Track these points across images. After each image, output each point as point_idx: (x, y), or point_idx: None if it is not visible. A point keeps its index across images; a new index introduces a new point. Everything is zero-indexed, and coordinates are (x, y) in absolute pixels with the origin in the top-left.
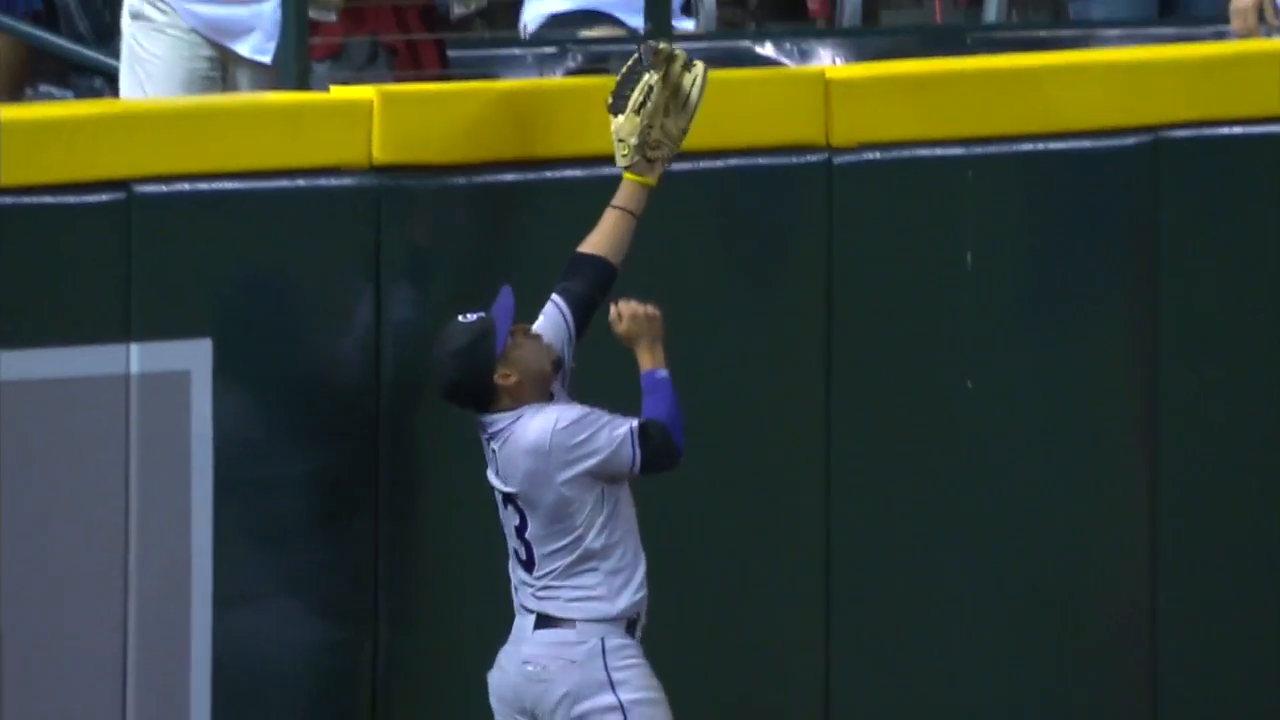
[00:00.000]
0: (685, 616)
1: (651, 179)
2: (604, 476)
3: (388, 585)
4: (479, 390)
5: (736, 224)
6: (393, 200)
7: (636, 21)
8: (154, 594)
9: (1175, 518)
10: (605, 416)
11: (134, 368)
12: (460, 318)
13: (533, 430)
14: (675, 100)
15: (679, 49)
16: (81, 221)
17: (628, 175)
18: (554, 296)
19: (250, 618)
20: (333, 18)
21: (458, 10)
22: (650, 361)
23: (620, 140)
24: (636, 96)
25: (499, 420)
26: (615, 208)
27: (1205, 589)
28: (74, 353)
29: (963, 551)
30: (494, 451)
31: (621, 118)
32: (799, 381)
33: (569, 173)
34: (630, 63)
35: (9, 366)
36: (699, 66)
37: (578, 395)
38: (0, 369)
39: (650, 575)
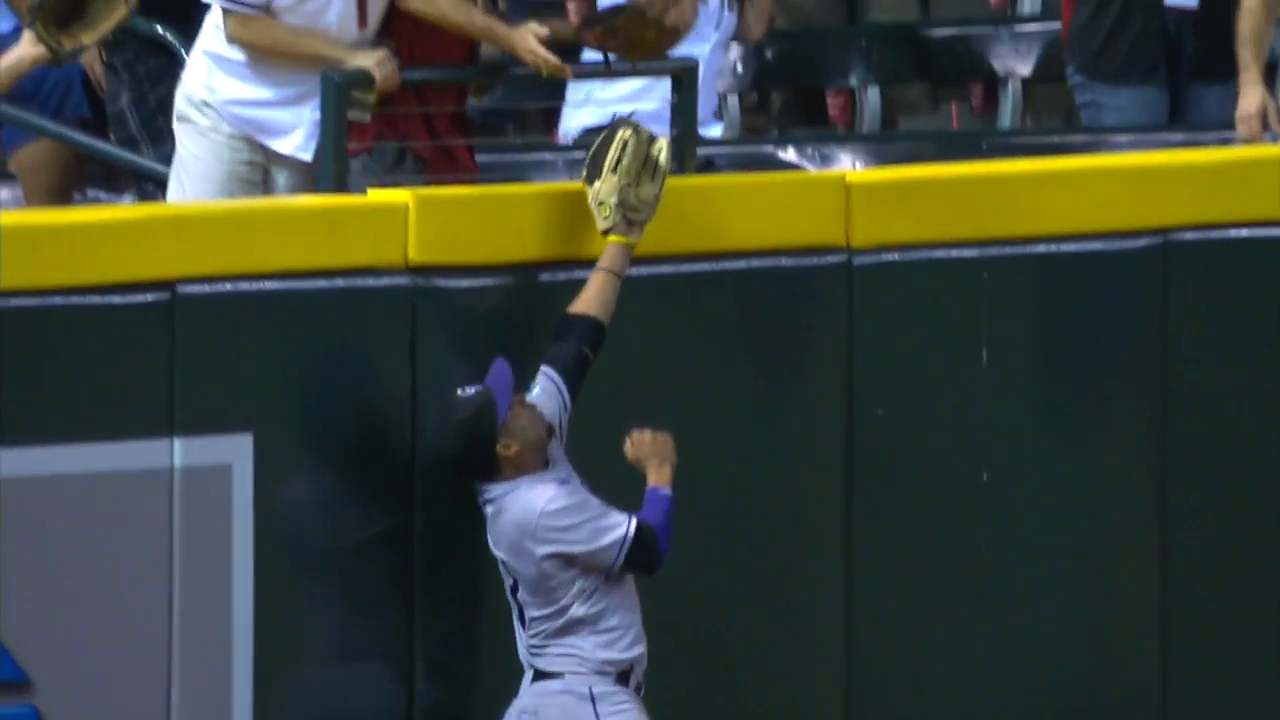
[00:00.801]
0: (707, 713)
1: (633, 240)
2: (581, 565)
3: (424, 658)
4: (482, 461)
5: (760, 322)
6: (427, 299)
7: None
8: (197, 684)
9: (1185, 603)
10: (597, 510)
11: (177, 461)
12: (460, 391)
13: (523, 504)
14: (646, 168)
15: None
16: (127, 320)
17: (611, 238)
18: (546, 368)
19: (291, 705)
20: (367, 118)
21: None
22: (656, 479)
23: (600, 203)
24: (612, 154)
25: (496, 489)
26: (601, 270)
27: (1215, 672)
28: (120, 447)
29: (980, 639)
30: (489, 516)
31: (598, 182)
32: (820, 475)
33: None
34: (600, 138)
35: (57, 460)
36: (663, 139)
37: (575, 453)
38: (49, 463)
39: (670, 668)
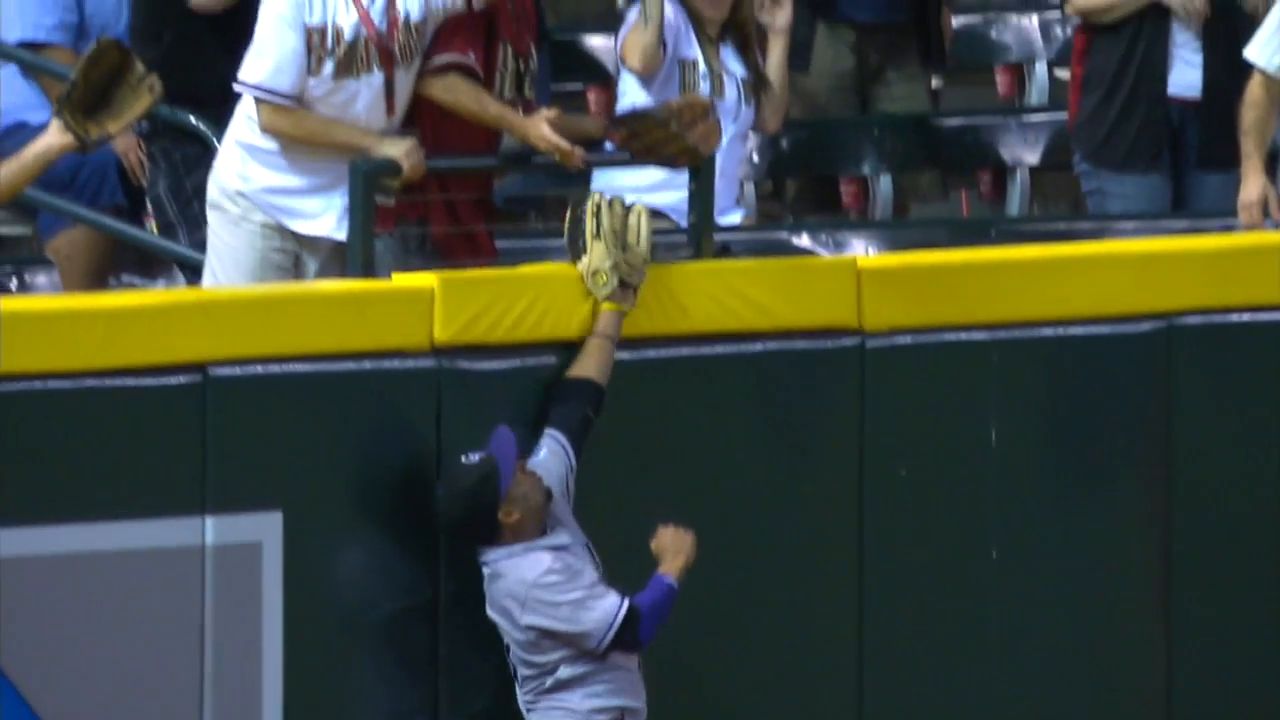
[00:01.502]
0: None
1: (628, 306)
2: (563, 639)
3: None
4: (485, 527)
5: (775, 402)
6: (452, 379)
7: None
8: None
9: (1189, 682)
10: (586, 589)
11: (209, 539)
12: (464, 458)
13: (518, 572)
14: (625, 233)
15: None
16: (160, 402)
17: (605, 306)
18: (551, 431)
19: None
20: (391, 203)
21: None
22: (666, 568)
23: (595, 272)
24: (590, 225)
25: (495, 554)
26: (597, 336)
27: None
28: (153, 525)
29: (989, 714)
30: (486, 579)
31: (585, 256)
32: (832, 552)
33: (620, 354)
34: (569, 220)
35: (92, 538)
36: (638, 205)
37: (588, 525)
38: (84, 540)
39: None
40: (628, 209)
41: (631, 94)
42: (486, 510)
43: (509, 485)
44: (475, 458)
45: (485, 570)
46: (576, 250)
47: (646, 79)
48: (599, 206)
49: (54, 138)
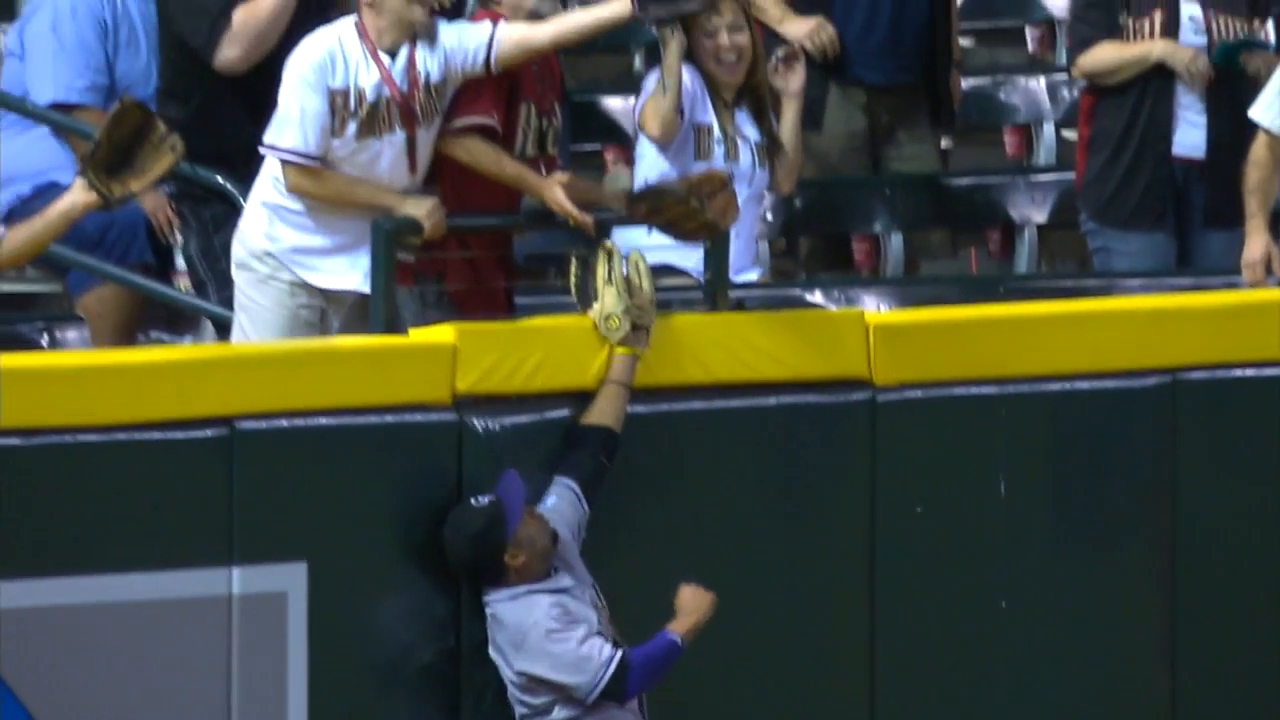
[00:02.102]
0: None
1: (641, 350)
2: (552, 686)
3: None
4: (491, 569)
5: (788, 454)
6: (472, 432)
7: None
8: None
9: None
10: (581, 642)
11: (236, 589)
12: (472, 500)
13: (517, 617)
14: (635, 276)
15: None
16: (188, 455)
17: (619, 350)
18: (563, 479)
19: None
20: (411, 259)
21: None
22: (676, 625)
23: (607, 317)
24: (601, 272)
25: (498, 596)
26: (611, 382)
27: None
28: (181, 575)
29: None
30: (488, 619)
31: (596, 303)
32: (844, 600)
33: (636, 408)
34: (575, 270)
35: (122, 588)
36: (634, 251)
37: (602, 576)
38: (114, 591)
39: None
40: (626, 257)
41: (649, 159)
42: (493, 552)
43: (516, 528)
44: (483, 500)
45: (487, 610)
46: (586, 299)
47: (664, 145)
48: (608, 255)
49: (78, 196)
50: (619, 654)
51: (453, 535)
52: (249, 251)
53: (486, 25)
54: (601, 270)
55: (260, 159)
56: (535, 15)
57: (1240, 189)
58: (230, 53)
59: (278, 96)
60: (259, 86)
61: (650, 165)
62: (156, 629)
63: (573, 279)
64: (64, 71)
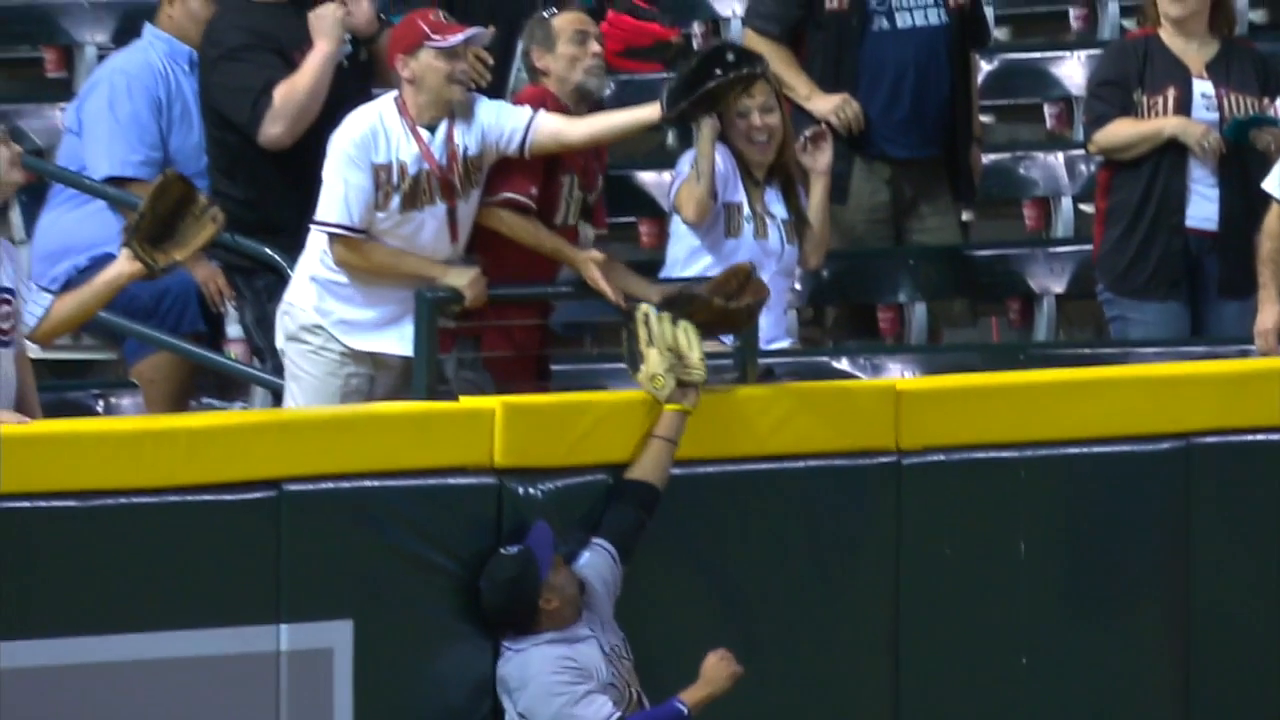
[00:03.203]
0: None
1: (689, 405)
2: None
3: None
4: (524, 615)
5: (816, 517)
6: (513, 497)
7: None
8: None
9: None
10: (582, 695)
11: (284, 646)
12: (502, 550)
13: (524, 659)
14: (682, 338)
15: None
16: (237, 516)
17: (668, 407)
18: (599, 540)
19: None
20: (451, 325)
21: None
22: (688, 694)
23: (653, 377)
24: (643, 335)
25: (522, 643)
26: (658, 438)
27: None
28: (230, 633)
29: None
30: (500, 659)
31: (643, 365)
32: (870, 652)
33: (670, 471)
34: (625, 338)
35: (174, 645)
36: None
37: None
38: (166, 647)
39: None
40: (676, 323)
41: (681, 235)
42: (527, 597)
43: (548, 574)
44: (514, 549)
45: (504, 652)
46: (635, 362)
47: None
48: (646, 318)
49: (124, 266)
50: (616, 715)
51: (488, 583)
52: (299, 325)
53: (526, 112)
54: (642, 334)
55: (305, 228)
56: (583, 91)
57: (1252, 260)
58: (274, 129)
59: (320, 169)
60: (302, 159)
61: (682, 242)
62: (209, 684)
63: (624, 348)
64: (120, 147)
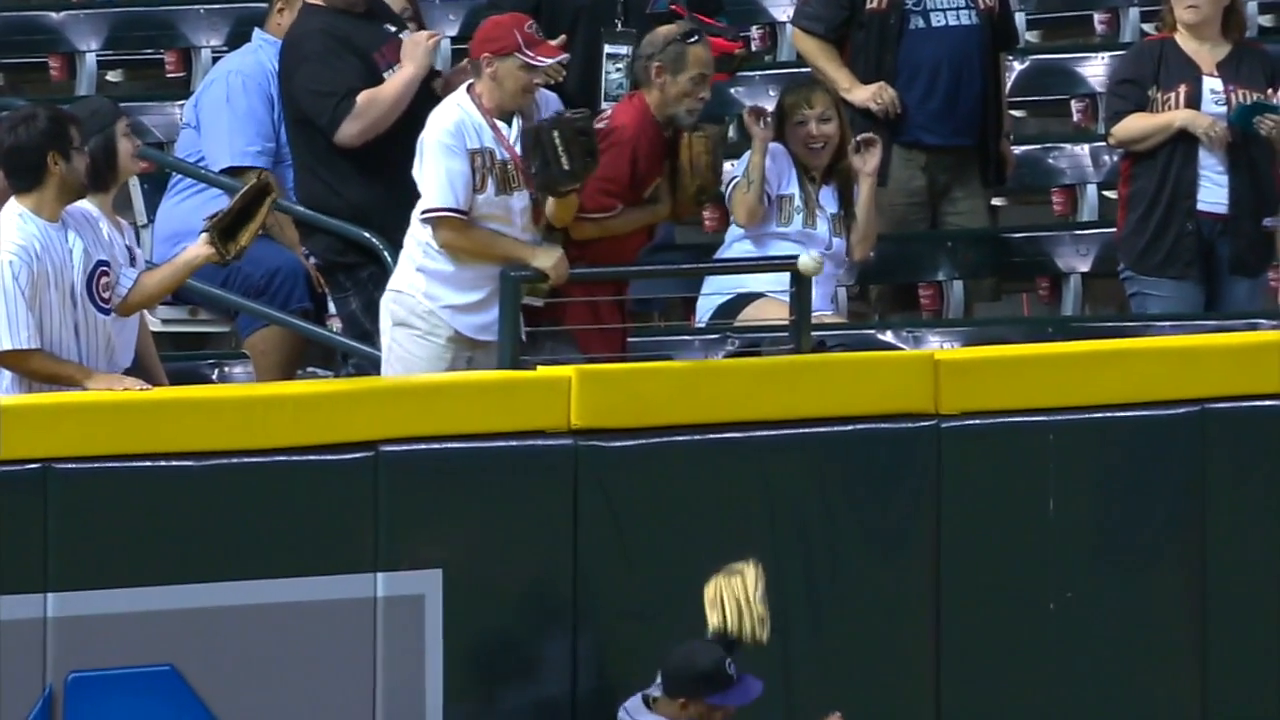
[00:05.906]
0: None
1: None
2: None
3: None
4: (685, 694)
5: (861, 477)
6: (587, 457)
7: (785, 294)
8: None
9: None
10: None
11: (379, 592)
12: (716, 644)
13: None
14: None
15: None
16: (339, 475)
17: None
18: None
19: None
20: (539, 304)
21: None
22: None
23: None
24: (714, 618)
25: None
26: None
27: None
28: (332, 580)
29: None
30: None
31: (735, 621)
32: (913, 601)
33: (730, 435)
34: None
35: (283, 591)
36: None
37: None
38: (275, 593)
39: None
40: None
41: (734, 230)
42: (701, 690)
43: (731, 701)
44: (731, 665)
45: (619, 714)
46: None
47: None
48: (739, 600)
49: (201, 250)
50: None
51: (683, 655)
52: (409, 310)
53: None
54: (714, 617)
55: (395, 215)
56: (676, 120)
57: (1260, 240)
58: (350, 130)
59: (394, 159)
60: (380, 151)
61: (735, 236)
62: (312, 627)
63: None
64: (238, 139)
